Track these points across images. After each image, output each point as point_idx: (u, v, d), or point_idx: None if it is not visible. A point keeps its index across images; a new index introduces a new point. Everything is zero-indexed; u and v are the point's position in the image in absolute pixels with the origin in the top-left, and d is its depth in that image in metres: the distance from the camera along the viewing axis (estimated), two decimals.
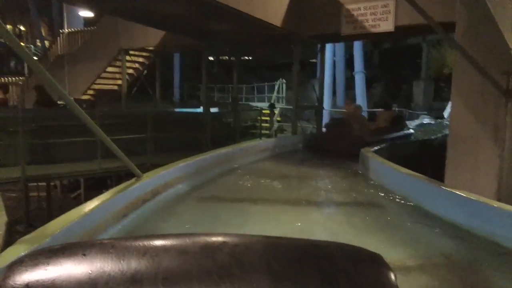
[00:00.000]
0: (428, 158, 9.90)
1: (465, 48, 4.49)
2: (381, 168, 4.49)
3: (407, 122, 12.48)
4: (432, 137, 10.04)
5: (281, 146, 7.18)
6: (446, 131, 12.06)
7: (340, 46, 20.99)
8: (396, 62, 30.32)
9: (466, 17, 4.69)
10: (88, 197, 9.36)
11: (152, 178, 3.28)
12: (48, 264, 0.67)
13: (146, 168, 8.46)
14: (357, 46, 21.15)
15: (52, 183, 10.02)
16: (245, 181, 4.67)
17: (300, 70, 8.89)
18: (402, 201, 3.78)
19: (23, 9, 28.81)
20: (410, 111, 20.77)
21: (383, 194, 4.09)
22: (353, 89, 24.24)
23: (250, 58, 32.45)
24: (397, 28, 7.37)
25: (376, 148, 6.01)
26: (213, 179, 4.57)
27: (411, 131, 11.36)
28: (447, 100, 25.23)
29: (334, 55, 20.60)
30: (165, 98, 22.18)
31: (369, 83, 23.60)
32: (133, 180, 3.12)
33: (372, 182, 4.64)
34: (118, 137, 8.16)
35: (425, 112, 21.29)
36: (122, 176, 9.17)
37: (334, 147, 6.42)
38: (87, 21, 17.25)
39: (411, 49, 27.89)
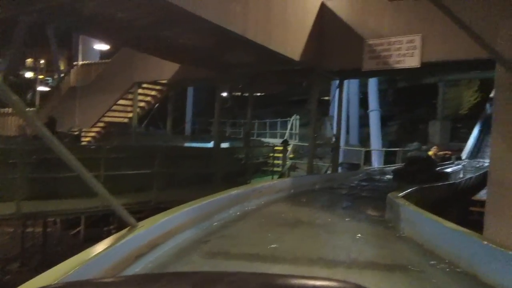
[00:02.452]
0: (454, 202, 9.26)
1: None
2: (418, 219, 3.85)
3: None
4: (458, 180, 9.37)
5: (297, 187, 6.60)
6: (469, 175, 11.53)
7: (354, 84, 20.77)
8: (411, 101, 30.02)
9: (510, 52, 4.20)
10: (88, 235, 8.70)
11: (149, 228, 2.72)
12: None
13: (150, 207, 7.96)
14: (372, 84, 20.89)
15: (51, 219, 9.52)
16: (260, 230, 4.07)
17: (315, 107, 8.47)
18: (448, 265, 3.11)
19: (44, 43, 29.87)
20: None
21: (422, 254, 3.41)
22: (366, 127, 23.78)
23: (263, 94, 32.53)
24: (423, 64, 6.93)
25: (405, 192, 5.39)
26: (223, 226, 3.98)
27: (460, 166, 13.25)
28: (465, 140, 24.54)
29: (347, 92, 20.29)
30: (177, 132, 22.03)
31: (384, 121, 23.15)
32: (125, 230, 2.57)
33: (406, 236, 3.98)
34: (123, 172, 7.84)
35: None
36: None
37: (416, 179, 7.59)
38: (103, 55, 17.43)
39: (427, 88, 27.59)
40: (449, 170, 10.49)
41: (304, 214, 4.96)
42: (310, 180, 7.17)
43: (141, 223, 2.72)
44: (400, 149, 15.55)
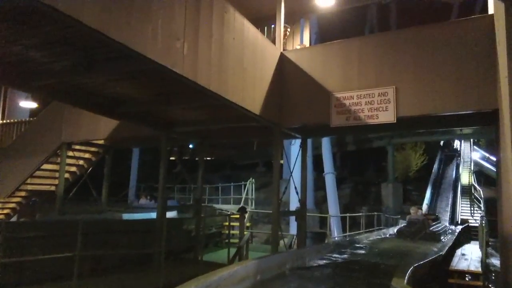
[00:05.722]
0: (436, 274, 8.30)
1: None
2: None
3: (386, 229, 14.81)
4: (440, 253, 8.49)
5: (264, 271, 5.11)
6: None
7: (307, 146, 20.26)
8: (359, 164, 30.33)
9: None
10: None
11: None
12: None
13: None
14: (326, 146, 20.55)
15: None
16: None
17: (267, 171, 7.30)
18: None
19: None
20: (387, 215, 19.34)
21: None
22: (319, 190, 23.00)
23: (212, 158, 31.31)
24: (399, 119, 6.10)
25: (406, 277, 4.15)
26: None
27: (444, 225, 16.76)
28: (417, 203, 24.61)
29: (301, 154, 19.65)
30: (118, 199, 19.71)
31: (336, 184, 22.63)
32: None
33: None
34: (33, 257, 5.90)
35: (399, 216, 19.88)
36: None
37: (414, 236, 10.83)
38: (32, 113, 15.48)
39: (375, 151, 28.04)
40: (438, 229, 13.33)
41: None
42: (278, 260, 5.70)
43: None
44: (363, 213, 14.64)
